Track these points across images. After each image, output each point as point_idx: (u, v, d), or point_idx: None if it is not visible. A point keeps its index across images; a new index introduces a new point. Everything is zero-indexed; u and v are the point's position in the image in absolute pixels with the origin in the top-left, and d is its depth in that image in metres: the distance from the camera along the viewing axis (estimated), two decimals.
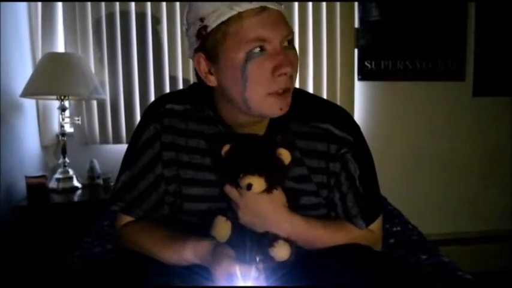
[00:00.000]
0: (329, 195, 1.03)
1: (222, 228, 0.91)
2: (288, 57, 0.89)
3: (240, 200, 0.93)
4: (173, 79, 2.49)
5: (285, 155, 0.91)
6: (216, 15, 0.86)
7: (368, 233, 1.04)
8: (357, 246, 0.96)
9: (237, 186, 0.91)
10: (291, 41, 0.91)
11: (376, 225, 1.06)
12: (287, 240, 0.92)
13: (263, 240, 0.91)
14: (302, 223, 0.96)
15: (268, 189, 0.90)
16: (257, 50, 0.87)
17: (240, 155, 0.90)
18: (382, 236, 1.11)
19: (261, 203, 0.92)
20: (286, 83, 0.90)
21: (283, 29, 0.88)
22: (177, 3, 2.44)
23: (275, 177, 0.90)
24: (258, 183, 0.87)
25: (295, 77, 0.96)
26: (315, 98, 1.12)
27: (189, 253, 0.90)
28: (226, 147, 0.93)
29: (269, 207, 0.93)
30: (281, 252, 0.90)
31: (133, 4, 2.41)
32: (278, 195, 0.94)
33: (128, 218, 1.06)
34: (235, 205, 0.94)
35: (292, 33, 0.91)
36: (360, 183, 1.01)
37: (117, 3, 2.40)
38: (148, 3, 2.42)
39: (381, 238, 1.11)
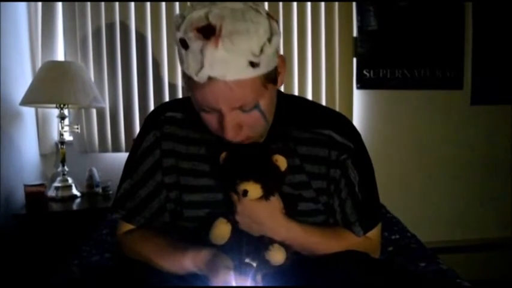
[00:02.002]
0: (328, 201, 1.03)
1: (222, 229, 0.92)
2: (235, 121, 0.86)
3: (238, 205, 0.93)
4: (173, 87, 2.50)
5: (281, 162, 0.91)
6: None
7: (366, 240, 1.04)
8: (355, 253, 0.96)
9: (235, 192, 0.92)
10: (244, 106, 0.85)
11: (374, 232, 1.06)
12: (283, 244, 0.92)
13: (259, 244, 0.92)
14: (298, 229, 0.96)
15: (265, 196, 0.91)
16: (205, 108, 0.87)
17: (237, 162, 0.91)
18: (380, 243, 1.11)
19: (258, 208, 0.92)
20: (233, 139, 0.89)
21: (229, 101, 0.83)
22: (177, 11, 2.46)
23: (271, 183, 0.91)
24: (253, 189, 0.88)
25: (260, 127, 0.92)
26: (316, 105, 1.12)
27: (188, 262, 0.90)
28: (223, 154, 0.93)
29: (266, 213, 0.93)
30: (276, 256, 0.91)
31: (133, 13, 2.43)
32: (275, 201, 0.94)
33: (129, 226, 1.07)
34: (234, 210, 0.94)
35: (244, 101, 0.83)
36: (359, 190, 1.02)
37: (117, 12, 2.41)
38: (148, 12, 2.44)
39: (379, 246, 1.11)
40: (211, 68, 0.77)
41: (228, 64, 0.77)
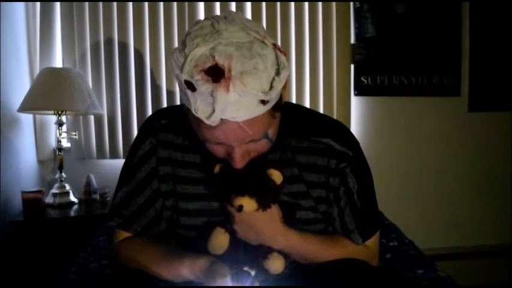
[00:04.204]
0: (328, 209, 1.03)
1: (221, 240, 0.91)
2: (245, 152, 0.87)
3: (236, 215, 0.92)
4: (170, 94, 2.50)
5: (276, 176, 0.90)
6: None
7: (364, 249, 1.04)
8: (353, 261, 0.96)
9: (230, 204, 0.91)
10: (254, 139, 0.85)
11: (372, 241, 1.06)
12: (281, 252, 0.92)
13: (258, 253, 0.91)
14: (297, 237, 0.96)
15: (261, 209, 0.90)
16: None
17: (232, 175, 0.89)
18: (378, 252, 1.11)
19: (256, 218, 0.92)
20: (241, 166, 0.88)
21: (240, 139, 0.83)
22: (175, 18, 2.47)
23: (266, 197, 0.90)
24: (248, 204, 0.87)
25: (266, 150, 0.92)
26: (314, 113, 1.12)
27: (185, 270, 0.90)
28: (217, 167, 0.93)
29: (264, 221, 0.92)
30: (275, 264, 0.90)
31: (131, 19, 2.44)
32: (273, 210, 0.93)
33: (125, 234, 1.06)
34: (232, 219, 0.94)
35: (255, 136, 0.84)
36: (358, 198, 1.01)
37: (115, 19, 2.42)
38: (146, 18, 2.45)
39: (378, 254, 1.10)
40: (222, 112, 0.75)
41: (240, 106, 0.76)
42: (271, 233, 0.94)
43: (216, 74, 0.74)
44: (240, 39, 0.77)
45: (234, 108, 0.76)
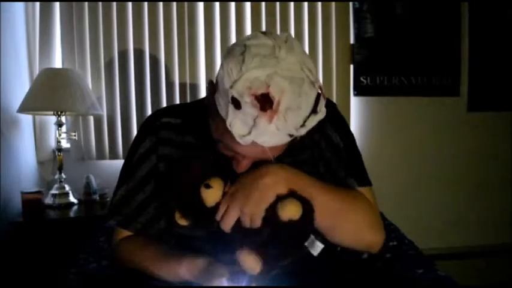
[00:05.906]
0: (314, 168, 1.02)
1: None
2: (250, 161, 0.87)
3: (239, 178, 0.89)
4: (170, 95, 2.50)
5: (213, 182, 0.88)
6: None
7: (365, 191, 1.01)
8: (354, 261, 0.96)
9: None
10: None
11: (367, 191, 1.02)
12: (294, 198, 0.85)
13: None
14: (293, 169, 0.91)
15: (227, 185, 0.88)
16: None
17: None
18: (377, 208, 1.05)
19: (246, 175, 0.88)
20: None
21: (257, 157, 0.86)
22: (174, 18, 2.47)
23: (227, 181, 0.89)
24: (215, 181, 0.87)
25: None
26: None
27: (183, 270, 0.90)
28: (177, 216, 0.91)
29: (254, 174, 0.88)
30: (290, 210, 0.82)
31: (130, 20, 2.44)
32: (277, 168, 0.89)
33: (125, 232, 1.06)
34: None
35: (269, 156, 0.84)
36: (344, 150, 1.03)
37: (115, 19, 2.42)
38: (146, 19, 2.45)
39: (377, 208, 1.04)
40: (257, 137, 0.77)
41: (274, 137, 0.78)
42: (264, 168, 0.88)
43: (266, 103, 0.75)
44: (294, 73, 0.77)
45: (268, 137, 0.78)
